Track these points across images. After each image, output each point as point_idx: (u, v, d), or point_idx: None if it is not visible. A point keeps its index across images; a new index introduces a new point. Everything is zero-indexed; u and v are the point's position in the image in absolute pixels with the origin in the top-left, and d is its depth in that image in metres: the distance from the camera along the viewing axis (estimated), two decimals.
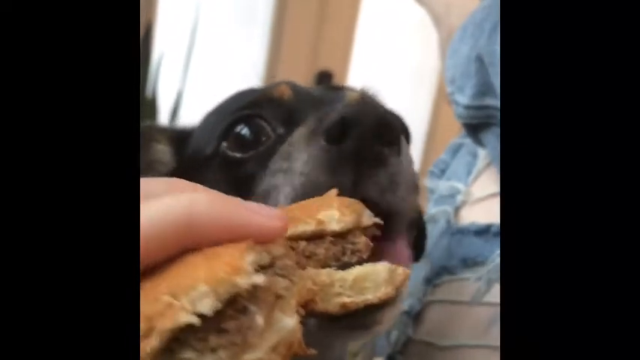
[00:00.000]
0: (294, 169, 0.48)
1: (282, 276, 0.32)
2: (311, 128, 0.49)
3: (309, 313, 0.34)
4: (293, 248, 0.36)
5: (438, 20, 0.78)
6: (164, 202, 0.29)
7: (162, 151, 0.65)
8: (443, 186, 0.80)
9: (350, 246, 0.37)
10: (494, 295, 0.64)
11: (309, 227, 0.38)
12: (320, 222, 0.38)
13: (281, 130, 0.54)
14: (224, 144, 0.56)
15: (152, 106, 1.94)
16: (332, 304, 0.35)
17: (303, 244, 0.36)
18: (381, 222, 0.40)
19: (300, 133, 0.50)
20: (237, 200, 0.33)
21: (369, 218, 0.40)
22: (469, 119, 0.68)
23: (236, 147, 0.55)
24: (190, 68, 1.97)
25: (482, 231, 0.70)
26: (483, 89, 0.63)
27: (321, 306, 0.34)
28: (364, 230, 0.39)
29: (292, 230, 0.37)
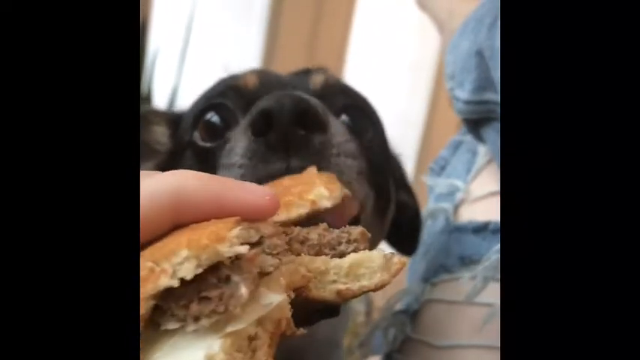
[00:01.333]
0: (234, 163, 0.50)
1: (271, 255, 0.32)
2: (245, 123, 0.51)
3: (304, 299, 0.34)
4: (287, 234, 0.35)
5: (441, 25, 0.79)
6: (153, 179, 0.30)
7: (161, 133, 0.67)
8: (442, 183, 0.80)
9: (345, 235, 0.37)
10: (489, 293, 0.63)
11: (303, 209, 0.38)
12: (313, 202, 0.39)
13: (242, 119, 0.56)
14: (195, 133, 0.58)
15: (147, 102, 1.94)
16: (327, 291, 0.35)
17: (296, 229, 0.36)
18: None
19: (238, 128, 0.53)
20: (229, 179, 0.33)
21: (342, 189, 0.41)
22: (469, 114, 0.67)
23: (206, 135, 0.58)
24: (186, 64, 1.96)
25: (480, 229, 0.70)
26: (483, 84, 0.63)
27: (315, 293, 0.34)
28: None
29: (286, 215, 0.37)
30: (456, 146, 0.85)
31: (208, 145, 0.57)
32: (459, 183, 0.78)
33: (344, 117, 0.59)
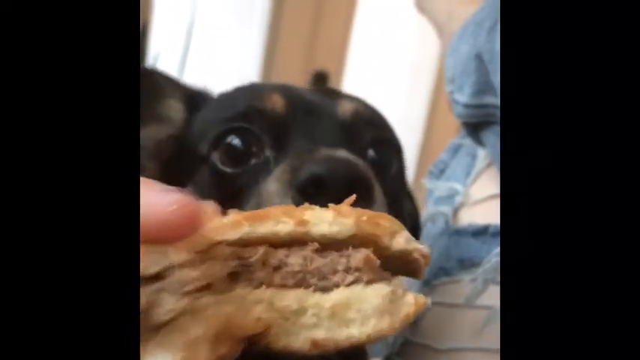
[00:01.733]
0: None
1: (182, 294, 0.23)
2: (282, 181, 0.48)
3: (262, 350, 0.25)
4: (241, 257, 0.26)
5: (440, 29, 0.79)
6: None
7: (175, 109, 0.63)
8: (442, 187, 0.80)
9: (343, 260, 0.27)
10: (489, 296, 0.63)
11: (283, 227, 0.27)
12: (302, 222, 0.27)
13: (270, 149, 0.54)
14: (215, 154, 0.55)
15: None
16: (300, 340, 0.26)
17: (263, 250, 0.26)
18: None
19: (271, 185, 0.49)
20: (146, 180, 0.26)
21: (402, 238, 0.29)
22: (469, 118, 0.68)
23: (226, 159, 0.54)
24: (186, 68, 1.96)
25: (480, 232, 0.70)
26: (483, 87, 0.63)
27: (283, 341, 0.25)
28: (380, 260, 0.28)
29: (249, 230, 0.26)
30: (456, 149, 0.85)
31: (229, 170, 0.54)
32: (458, 186, 0.78)
33: (371, 152, 0.57)
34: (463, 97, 0.66)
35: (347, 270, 0.27)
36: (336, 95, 0.60)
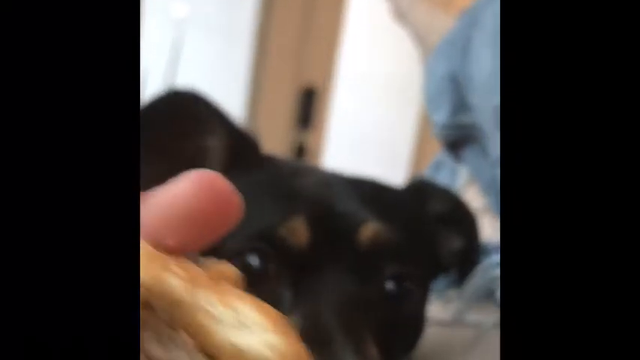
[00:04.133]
0: None
1: None
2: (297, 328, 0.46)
3: None
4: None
5: (419, 40, 0.78)
6: None
7: (215, 148, 0.56)
8: None
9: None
10: (475, 314, 0.63)
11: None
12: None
13: (287, 287, 0.50)
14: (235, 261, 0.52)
15: None
16: None
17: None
18: None
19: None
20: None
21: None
22: (447, 137, 0.68)
23: (243, 271, 0.51)
24: (174, 84, 1.97)
25: None
26: (459, 108, 0.64)
27: None
28: None
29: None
30: (437, 166, 0.85)
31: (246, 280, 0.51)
32: None
33: (390, 285, 0.52)
34: (440, 118, 0.67)
35: None
36: (362, 218, 0.52)
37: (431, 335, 0.69)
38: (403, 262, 0.53)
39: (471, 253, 0.62)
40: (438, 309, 0.69)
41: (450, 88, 0.64)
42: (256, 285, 0.49)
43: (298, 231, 0.50)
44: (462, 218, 0.61)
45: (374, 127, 2.38)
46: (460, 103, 0.64)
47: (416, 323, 0.57)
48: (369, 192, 0.55)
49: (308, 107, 2.32)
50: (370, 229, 0.52)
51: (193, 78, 2.13)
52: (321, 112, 2.36)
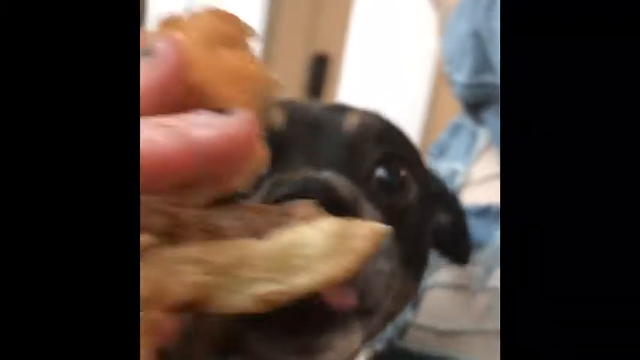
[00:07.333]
0: None
1: None
2: (263, 196, 0.45)
3: (201, 316, 0.22)
4: (174, 215, 0.22)
5: (436, 1, 0.77)
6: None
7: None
8: (442, 167, 0.80)
9: (285, 218, 0.24)
10: (494, 280, 0.63)
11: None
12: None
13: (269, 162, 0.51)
14: None
15: None
16: (241, 298, 0.21)
17: (190, 212, 0.22)
18: None
19: (253, 202, 0.46)
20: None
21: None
22: (468, 98, 0.67)
23: None
24: None
25: (482, 212, 0.69)
26: (482, 66, 0.63)
27: (222, 303, 0.21)
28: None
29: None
30: (456, 129, 0.84)
31: None
32: (459, 166, 0.77)
33: (380, 171, 0.51)
34: (462, 77, 0.66)
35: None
36: (345, 109, 0.54)
37: (446, 299, 0.69)
38: (392, 144, 0.53)
39: (458, 225, 0.63)
40: (457, 274, 0.69)
41: (473, 46, 0.62)
42: None
43: (273, 114, 0.51)
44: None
45: (386, 92, 2.36)
46: (483, 61, 0.63)
47: (417, 229, 0.54)
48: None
49: (320, 75, 2.31)
50: (355, 117, 0.52)
51: None
52: (333, 79, 2.35)
